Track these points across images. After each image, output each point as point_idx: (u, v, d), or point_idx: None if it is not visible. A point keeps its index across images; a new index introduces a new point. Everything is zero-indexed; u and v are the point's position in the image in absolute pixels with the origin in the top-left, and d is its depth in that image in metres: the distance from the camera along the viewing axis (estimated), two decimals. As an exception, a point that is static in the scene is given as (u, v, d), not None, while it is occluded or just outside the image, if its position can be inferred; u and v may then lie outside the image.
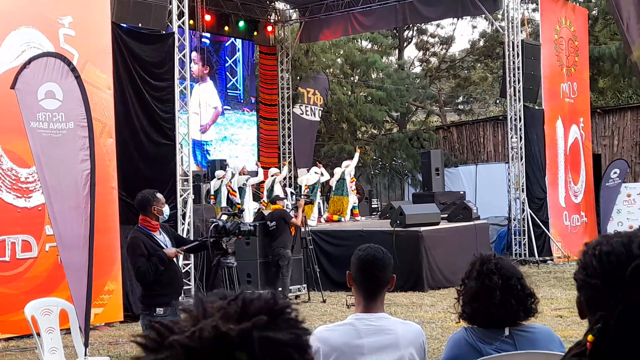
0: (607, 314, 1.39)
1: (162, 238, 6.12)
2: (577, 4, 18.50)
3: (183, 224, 11.13)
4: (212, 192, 14.87)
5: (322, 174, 15.97)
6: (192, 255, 10.60)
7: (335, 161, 23.10)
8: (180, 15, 11.49)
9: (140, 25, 10.90)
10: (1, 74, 8.97)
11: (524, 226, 15.82)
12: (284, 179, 16.51)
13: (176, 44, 11.26)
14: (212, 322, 0.95)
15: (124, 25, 10.76)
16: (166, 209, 6.19)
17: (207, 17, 16.40)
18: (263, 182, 16.79)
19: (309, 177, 15.48)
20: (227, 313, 0.97)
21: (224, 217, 7.41)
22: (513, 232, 15.94)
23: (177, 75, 11.30)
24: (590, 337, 1.43)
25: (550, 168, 16.34)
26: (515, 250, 15.75)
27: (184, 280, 9.46)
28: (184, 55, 11.58)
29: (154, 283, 5.87)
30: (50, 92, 7.27)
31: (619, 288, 1.39)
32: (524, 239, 15.78)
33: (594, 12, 22.72)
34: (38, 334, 6.52)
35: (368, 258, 3.01)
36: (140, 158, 10.94)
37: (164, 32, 11.24)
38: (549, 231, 15.94)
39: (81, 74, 7.64)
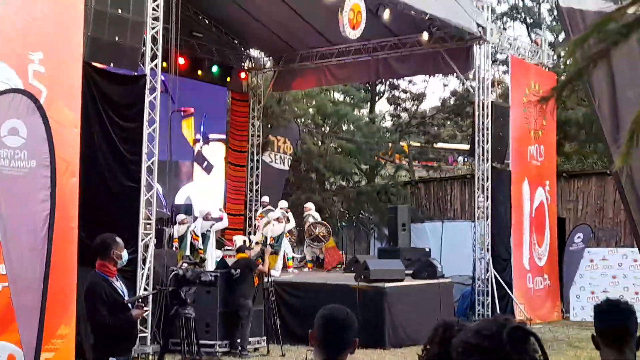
0: None
1: (119, 285, 5.97)
2: (547, 69, 18.85)
3: (143, 269, 10.87)
4: (176, 236, 14.63)
5: (287, 220, 15.77)
6: (149, 302, 10.33)
7: (301, 210, 22.98)
8: (154, 57, 11.43)
9: (112, 65, 10.81)
10: (-35, 107, 8.77)
11: (487, 286, 15.79)
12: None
13: (147, 86, 11.18)
14: None
15: (96, 64, 10.66)
16: (125, 254, 6.06)
17: (181, 61, 16.36)
18: (227, 228, 16.56)
19: (274, 228, 15.30)
20: None
21: (185, 266, 7.25)
22: (477, 292, 15.89)
23: (146, 117, 11.18)
24: None
25: (516, 229, 16.40)
26: (479, 311, 15.68)
27: (140, 327, 9.21)
28: (154, 98, 11.49)
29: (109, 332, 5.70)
30: (14, 129, 7.10)
31: None
32: (487, 299, 15.73)
33: (562, 77, 23.19)
34: (-18, 380, 6.24)
35: (331, 317, 3.00)
36: (103, 199, 10.72)
37: (135, 73, 11.16)
38: (512, 293, 15.93)
39: (48, 111, 7.48)
